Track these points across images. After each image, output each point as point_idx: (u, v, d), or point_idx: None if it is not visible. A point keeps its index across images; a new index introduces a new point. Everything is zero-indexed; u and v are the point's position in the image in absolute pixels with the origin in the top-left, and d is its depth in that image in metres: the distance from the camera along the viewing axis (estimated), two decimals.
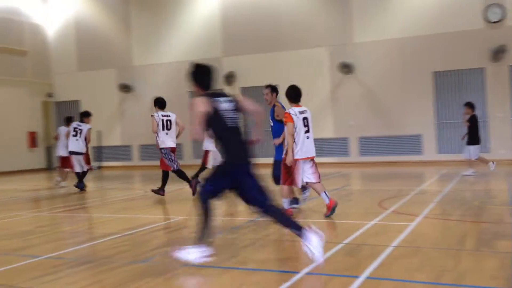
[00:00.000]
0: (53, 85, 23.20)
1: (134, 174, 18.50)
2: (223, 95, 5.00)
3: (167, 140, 10.50)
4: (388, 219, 7.10)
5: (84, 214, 9.17)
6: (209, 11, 20.32)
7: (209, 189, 4.86)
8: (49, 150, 22.10)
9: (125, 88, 21.59)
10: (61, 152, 14.09)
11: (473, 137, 12.61)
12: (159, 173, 14.22)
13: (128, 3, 21.83)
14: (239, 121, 4.97)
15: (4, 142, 20.50)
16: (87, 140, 12.54)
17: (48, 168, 21.93)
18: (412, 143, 17.66)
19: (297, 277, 4.41)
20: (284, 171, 7.35)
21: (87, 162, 12.69)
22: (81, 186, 12.21)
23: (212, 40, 20.29)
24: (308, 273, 4.51)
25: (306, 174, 7.38)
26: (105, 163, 22.00)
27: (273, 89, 8.22)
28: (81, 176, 12.42)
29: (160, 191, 10.50)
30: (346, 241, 5.69)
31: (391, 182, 12.26)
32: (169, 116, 10.66)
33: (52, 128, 22.81)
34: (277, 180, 7.88)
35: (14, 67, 21.56)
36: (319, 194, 7.45)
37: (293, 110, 7.23)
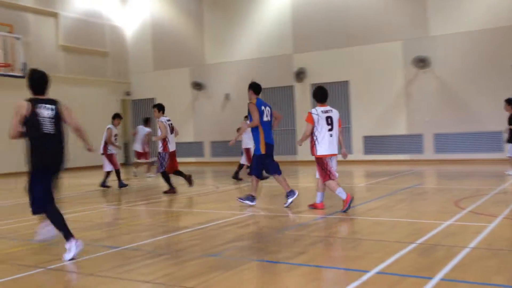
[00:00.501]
0: (131, 84, 24.25)
1: (206, 170, 18.91)
2: (49, 102, 5.28)
3: (172, 144, 11.05)
4: (465, 219, 6.81)
5: (158, 208, 9.52)
6: (280, 8, 20.38)
7: (39, 198, 5.21)
8: (126, 146, 23.05)
9: (198, 86, 22.15)
10: (137, 147, 16.17)
11: None
12: (229, 169, 14.43)
13: (201, 3, 22.35)
14: (56, 128, 5.28)
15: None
16: (106, 141, 12.46)
17: (126, 163, 22.91)
18: (492, 140, 16.78)
19: (367, 276, 4.34)
20: (320, 169, 7.73)
21: (110, 163, 12.54)
22: (121, 184, 12.51)
23: (283, 37, 20.33)
24: (378, 273, 4.42)
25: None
26: (178, 159, 22.55)
27: (250, 86, 8.45)
28: (118, 175, 12.57)
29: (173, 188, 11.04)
30: (419, 241, 5.53)
31: (469, 181, 11.72)
32: (170, 120, 11.21)
33: (129, 125, 23.86)
34: (250, 173, 8.50)
35: (97, 68, 22.78)
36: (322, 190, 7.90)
37: (316, 110, 7.73)
